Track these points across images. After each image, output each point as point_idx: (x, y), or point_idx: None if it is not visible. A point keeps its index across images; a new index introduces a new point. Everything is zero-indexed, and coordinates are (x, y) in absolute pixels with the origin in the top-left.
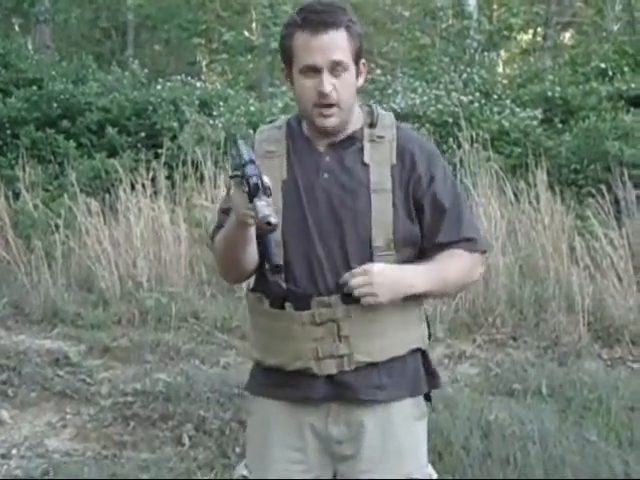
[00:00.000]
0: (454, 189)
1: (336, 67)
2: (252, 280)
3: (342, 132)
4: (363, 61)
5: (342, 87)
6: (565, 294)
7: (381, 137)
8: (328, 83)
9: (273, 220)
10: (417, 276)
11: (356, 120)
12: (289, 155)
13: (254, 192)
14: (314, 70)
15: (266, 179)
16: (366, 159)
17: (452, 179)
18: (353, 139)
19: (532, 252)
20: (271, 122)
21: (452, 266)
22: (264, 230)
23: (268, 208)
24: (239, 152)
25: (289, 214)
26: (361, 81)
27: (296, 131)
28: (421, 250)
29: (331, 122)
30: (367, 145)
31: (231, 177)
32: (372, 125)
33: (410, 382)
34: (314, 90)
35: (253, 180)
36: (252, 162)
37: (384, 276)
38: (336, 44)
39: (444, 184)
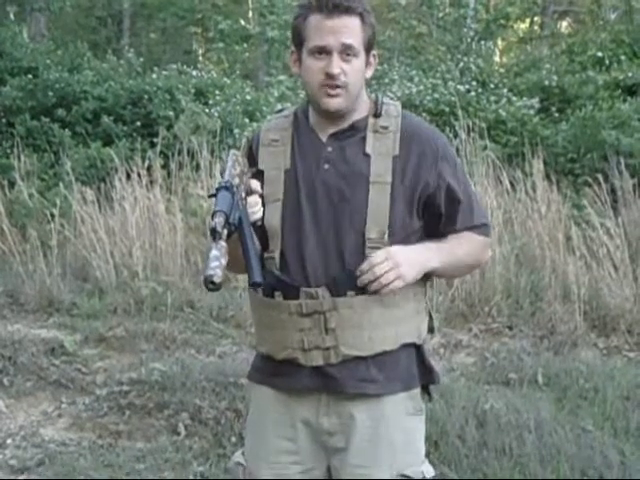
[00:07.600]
0: (464, 178)
1: (347, 51)
2: None
3: (346, 120)
4: (374, 52)
5: (351, 72)
6: (561, 283)
7: (385, 127)
8: (337, 65)
9: (216, 280)
10: (431, 250)
11: (362, 109)
12: (293, 144)
13: (212, 235)
14: (324, 51)
15: (254, 184)
16: (367, 150)
17: (460, 168)
18: (356, 128)
19: (528, 241)
20: (279, 112)
21: (464, 245)
22: (207, 287)
23: (217, 262)
24: (223, 169)
25: (288, 204)
26: (369, 72)
27: (302, 121)
28: (435, 236)
29: (336, 103)
30: (370, 135)
31: (209, 196)
32: (376, 115)
33: (404, 376)
34: (322, 71)
35: (214, 222)
36: (227, 188)
37: (404, 255)
38: (349, 28)
39: (454, 175)
